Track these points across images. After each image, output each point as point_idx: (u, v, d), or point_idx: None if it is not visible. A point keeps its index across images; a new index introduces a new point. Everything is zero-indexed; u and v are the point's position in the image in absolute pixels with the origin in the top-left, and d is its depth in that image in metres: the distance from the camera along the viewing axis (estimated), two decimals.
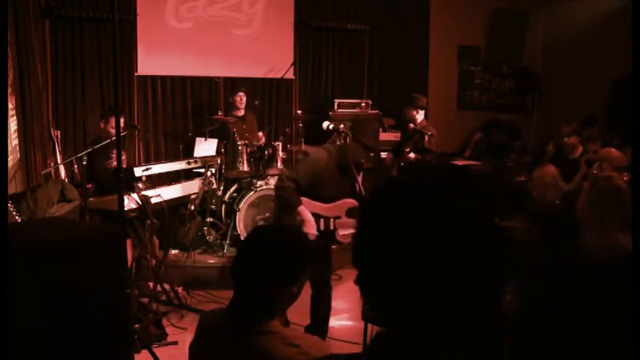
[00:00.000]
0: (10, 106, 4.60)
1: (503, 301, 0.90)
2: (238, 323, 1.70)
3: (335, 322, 4.28)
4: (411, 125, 5.76)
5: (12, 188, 4.30)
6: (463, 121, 7.99)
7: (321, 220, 3.73)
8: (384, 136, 6.77)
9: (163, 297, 4.64)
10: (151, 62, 6.78)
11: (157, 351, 3.65)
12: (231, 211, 5.79)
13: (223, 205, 5.94)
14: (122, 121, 4.18)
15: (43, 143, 5.69)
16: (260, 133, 6.54)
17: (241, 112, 6.40)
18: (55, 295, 2.32)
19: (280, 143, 6.19)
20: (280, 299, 1.73)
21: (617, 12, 6.96)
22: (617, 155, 4.81)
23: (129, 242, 4.19)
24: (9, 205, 3.45)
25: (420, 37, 7.97)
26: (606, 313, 0.83)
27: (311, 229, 3.59)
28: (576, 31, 7.65)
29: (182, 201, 4.81)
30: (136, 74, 6.75)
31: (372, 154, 3.84)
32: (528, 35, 8.45)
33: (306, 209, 3.66)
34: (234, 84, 6.80)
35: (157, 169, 4.76)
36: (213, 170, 5.41)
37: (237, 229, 5.66)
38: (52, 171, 5.67)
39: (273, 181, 6.06)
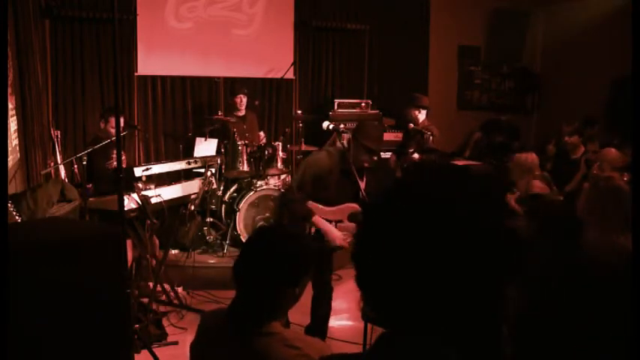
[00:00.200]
0: (10, 106, 4.59)
1: (504, 301, 0.90)
2: (240, 324, 1.70)
3: (335, 322, 4.28)
4: (411, 125, 5.76)
5: (12, 188, 4.30)
6: (463, 121, 7.99)
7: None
8: (384, 136, 6.75)
9: (163, 297, 4.64)
10: (151, 62, 6.78)
11: (157, 351, 3.65)
12: (231, 211, 5.79)
13: (223, 205, 5.94)
14: (122, 121, 4.18)
15: (43, 143, 5.69)
16: (261, 133, 6.55)
17: (242, 113, 6.40)
18: (55, 295, 2.32)
19: (280, 143, 6.19)
20: (283, 300, 1.73)
21: (617, 12, 6.96)
22: (615, 155, 4.81)
23: (129, 242, 4.19)
24: (9, 205, 3.45)
25: (420, 37, 7.97)
26: (606, 313, 0.83)
27: (335, 237, 3.58)
28: (576, 31, 7.65)
29: (182, 201, 4.81)
30: (136, 74, 6.75)
31: (374, 158, 3.82)
32: (528, 35, 8.45)
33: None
34: (234, 84, 6.80)
35: (157, 169, 4.76)
36: (213, 170, 5.41)
37: (237, 229, 5.66)
38: (52, 171, 5.67)
39: (273, 181, 6.06)
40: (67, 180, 5.42)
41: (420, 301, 0.88)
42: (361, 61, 7.68)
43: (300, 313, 3.60)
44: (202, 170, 5.26)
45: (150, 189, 4.35)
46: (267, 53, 7.20)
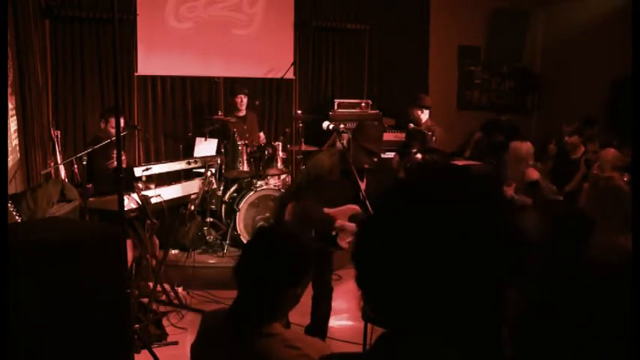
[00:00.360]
0: (10, 106, 4.59)
1: (504, 301, 0.90)
2: (240, 324, 1.70)
3: (335, 322, 4.28)
4: (411, 125, 5.76)
5: (12, 188, 4.30)
6: (463, 121, 7.98)
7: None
8: (384, 136, 6.75)
9: (163, 297, 4.64)
10: (151, 62, 6.78)
11: (157, 351, 3.65)
12: (231, 211, 5.79)
13: (223, 205, 5.94)
14: (122, 121, 4.19)
15: (43, 143, 5.69)
16: (261, 134, 6.55)
17: (242, 113, 6.40)
18: (55, 295, 2.32)
19: (280, 143, 6.19)
20: (283, 301, 1.73)
21: (617, 12, 6.96)
22: (614, 156, 4.81)
23: (129, 242, 4.19)
24: (9, 205, 3.45)
25: (420, 37, 7.97)
26: (606, 314, 0.83)
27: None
28: (576, 31, 7.65)
29: (182, 201, 4.81)
30: (136, 74, 6.75)
31: (375, 160, 3.82)
32: (528, 35, 8.45)
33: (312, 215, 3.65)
34: (234, 84, 6.80)
35: (157, 169, 4.76)
36: (213, 170, 5.41)
37: (237, 229, 5.66)
38: (52, 171, 5.67)
39: (273, 181, 6.06)
40: (67, 180, 5.42)
41: (420, 301, 0.88)
42: (361, 61, 7.68)
43: (300, 313, 3.60)
44: (202, 170, 5.26)
45: (150, 189, 4.36)
46: (267, 53, 7.19)
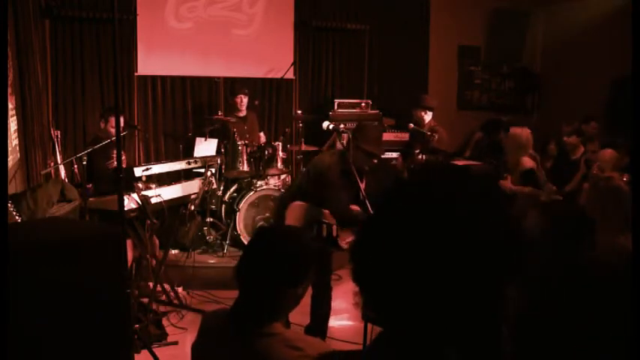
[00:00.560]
0: (10, 106, 4.59)
1: (505, 300, 0.90)
2: (241, 324, 1.70)
3: (335, 322, 4.29)
4: (411, 125, 5.77)
5: (12, 188, 4.30)
6: (463, 121, 7.98)
7: (324, 226, 3.72)
8: (384, 136, 6.75)
9: (163, 297, 4.64)
10: (151, 62, 6.78)
11: (157, 351, 3.65)
12: (231, 211, 5.79)
13: (223, 205, 5.94)
14: (122, 120, 4.18)
15: (43, 143, 5.69)
16: (261, 134, 6.55)
17: (243, 113, 6.40)
18: (55, 295, 2.32)
19: (280, 143, 6.19)
20: (284, 301, 1.73)
21: (617, 12, 6.96)
22: (612, 156, 4.81)
23: (129, 242, 4.19)
24: (9, 205, 3.45)
25: (420, 37, 7.97)
26: (606, 313, 0.83)
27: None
28: (576, 31, 7.65)
29: (182, 201, 4.81)
30: (136, 74, 6.75)
31: (375, 161, 3.82)
32: (528, 35, 8.45)
33: (309, 215, 3.66)
34: (234, 84, 6.80)
35: (157, 169, 4.76)
36: (213, 170, 5.41)
37: (237, 229, 5.66)
38: (52, 171, 5.67)
39: (273, 181, 6.06)
40: (67, 180, 5.42)
41: (419, 300, 0.88)
42: (361, 61, 7.68)
43: (300, 313, 3.59)
44: (202, 170, 5.26)
45: (150, 189, 4.35)
46: (267, 53, 7.19)
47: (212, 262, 5.52)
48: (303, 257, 1.77)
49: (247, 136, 6.11)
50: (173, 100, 7.00)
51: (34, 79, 5.45)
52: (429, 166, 5.08)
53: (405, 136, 6.30)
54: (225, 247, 5.74)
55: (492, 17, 8.23)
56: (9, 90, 4.50)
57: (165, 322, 4.29)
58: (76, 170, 5.64)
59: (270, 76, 7.24)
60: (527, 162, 4.80)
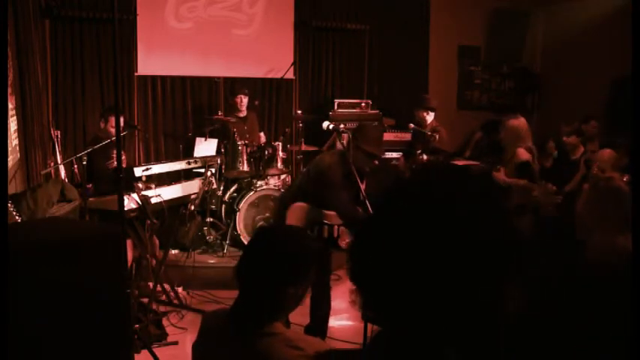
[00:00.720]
0: (10, 106, 4.59)
1: (504, 300, 0.90)
2: (241, 324, 1.70)
3: (335, 322, 4.28)
4: (411, 125, 5.77)
5: (12, 188, 4.30)
6: (463, 121, 7.98)
7: (325, 227, 3.72)
8: (384, 136, 6.75)
9: (163, 297, 4.64)
10: (151, 62, 6.78)
11: (157, 351, 3.65)
12: (231, 211, 5.79)
13: (223, 205, 5.94)
14: (122, 120, 4.18)
15: (43, 143, 5.69)
16: (261, 134, 6.55)
17: (243, 113, 6.40)
18: (55, 295, 2.32)
19: (280, 143, 6.19)
20: (284, 301, 1.72)
21: (617, 12, 6.96)
22: (610, 156, 4.80)
23: (129, 242, 4.19)
24: (9, 205, 3.45)
25: (420, 37, 7.97)
26: (606, 314, 0.83)
27: None
28: (576, 31, 7.65)
29: (182, 201, 4.81)
30: (136, 74, 6.75)
31: (376, 162, 3.82)
32: (528, 35, 8.45)
33: (310, 216, 3.66)
34: (234, 84, 6.80)
35: (157, 169, 4.76)
36: (213, 170, 5.41)
37: (237, 229, 5.66)
38: (52, 171, 5.67)
39: (273, 181, 6.06)
40: (67, 180, 5.42)
41: (418, 299, 0.88)
42: (361, 61, 7.68)
43: (300, 314, 3.60)
44: (202, 170, 5.26)
45: (150, 189, 4.35)
46: (267, 53, 7.19)
47: (212, 262, 5.52)
48: (303, 257, 1.77)
49: (247, 136, 6.11)
50: (173, 100, 7.00)
51: (34, 79, 5.45)
52: (429, 166, 5.08)
53: (405, 136, 6.30)
54: (225, 247, 5.74)
55: (492, 17, 8.23)
56: (9, 90, 4.50)
57: (165, 322, 4.29)
58: (76, 170, 5.64)
59: (270, 76, 7.24)
60: (523, 154, 4.80)
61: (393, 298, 0.90)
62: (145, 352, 3.57)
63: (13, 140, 4.68)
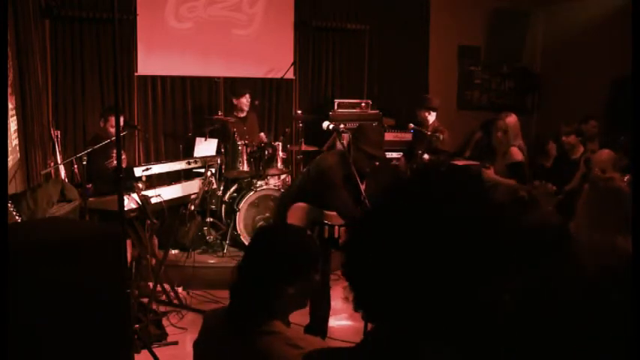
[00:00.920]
0: (10, 106, 4.59)
1: (503, 300, 0.90)
2: (238, 322, 1.70)
3: (335, 322, 4.28)
4: (411, 125, 5.76)
5: (12, 188, 4.30)
6: (463, 121, 7.98)
7: (325, 227, 3.72)
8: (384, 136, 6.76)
9: (163, 297, 4.64)
10: (151, 62, 6.78)
11: (157, 351, 3.65)
12: (231, 211, 5.79)
13: (223, 205, 5.94)
14: (122, 120, 4.19)
15: (43, 143, 5.69)
16: (262, 134, 6.55)
17: (243, 114, 6.40)
18: (55, 295, 2.32)
19: (280, 143, 6.19)
20: (283, 299, 1.72)
21: (617, 12, 6.96)
22: (608, 156, 4.80)
23: (128, 242, 4.19)
24: (9, 205, 3.46)
25: (420, 37, 7.97)
26: (606, 314, 0.83)
27: None
28: (576, 31, 7.64)
29: (182, 201, 4.81)
30: (136, 74, 6.75)
31: (377, 163, 3.82)
32: (528, 35, 8.45)
33: (310, 216, 3.66)
34: (237, 85, 6.79)
35: (157, 169, 4.76)
36: (213, 170, 5.41)
37: (237, 229, 5.66)
38: (52, 171, 5.67)
39: (273, 181, 6.06)
40: (67, 180, 5.42)
41: (414, 298, 0.88)
42: (361, 61, 7.68)
43: (300, 313, 3.58)
44: (202, 170, 5.26)
45: (150, 189, 4.35)
46: (267, 53, 7.19)
47: (212, 262, 5.52)
48: (303, 256, 1.78)
49: (247, 136, 6.11)
50: (173, 100, 7.00)
51: (34, 79, 5.45)
52: (429, 166, 5.07)
53: (405, 136, 6.29)
54: (225, 247, 5.74)
55: (492, 17, 8.23)
56: (9, 90, 4.50)
57: (165, 322, 4.29)
58: (76, 170, 5.64)
59: (270, 76, 7.24)
60: (517, 154, 4.80)
61: (388, 296, 0.90)
62: (145, 352, 3.58)
63: (13, 140, 4.68)
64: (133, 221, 4.16)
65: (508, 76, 8.70)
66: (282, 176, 6.25)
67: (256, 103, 6.75)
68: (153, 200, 4.19)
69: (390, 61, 7.78)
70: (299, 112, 6.96)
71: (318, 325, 3.85)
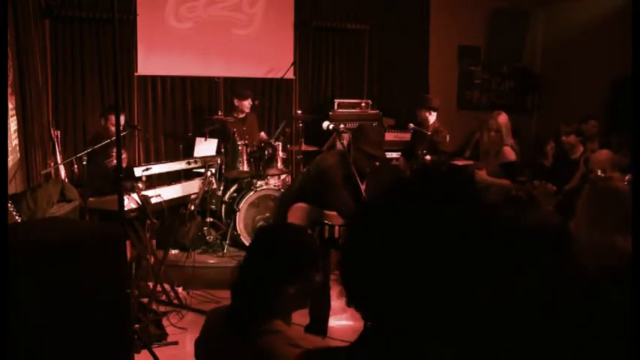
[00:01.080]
0: (10, 106, 4.59)
1: (503, 299, 0.90)
2: (238, 321, 1.70)
3: (335, 322, 4.28)
4: (411, 125, 5.76)
5: (12, 188, 4.30)
6: (463, 121, 7.98)
7: (326, 227, 3.73)
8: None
9: (163, 297, 4.64)
10: (151, 62, 6.78)
11: (157, 351, 3.65)
12: (231, 211, 5.79)
13: (223, 205, 5.94)
14: (122, 119, 4.19)
15: (43, 143, 5.69)
16: (262, 134, 6.56)
17: (244, 115, 6.40)
18: (55, 295, 2.32)
19: (280, 143, 6.19)
20: (283, 298, 1.72)
21: (617, 12, 6.96)
22: (607, 157, 4.81)
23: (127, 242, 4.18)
24: (9, 205, 3.46)
25: (420, 37, 7.97)
26: (606, 314, 0.83)
27: None
28: (576, 31, 7.64)
29: (182, 201, 4.81)
30: (136, 74, 6.75)
31: (377, 164, 3.82)
32: (528, 35, 8.45)
33: (311, 216, 3.66)
34: (239, 87, 6.78)
35: (157, 169, 4.76)
36: (213, 170, 5.41)
37: (237, 229, 5.66)
38: (52, 171, 5.67)
39: (273, 181, 6.06)
40: (67, 180, 5.42)
41: (412, 296, 0.88)
42: (361, 61, 7.68)
43: (299, 313, 3.58)
44: (202, 170, 5.26)
45: (150, 189, 4.35)
46: (267, 53, 7.19)
47: (212, 262, 5.52)
48: (303, 256, 1.78)
49: (247, 136, 6.11)
50: (173, 100, 7.00)
51: (34, 79, 5.45)
52: (428, 166, 5.08)
53: (405, 136, 6.30)
54: (225, 247, 5.74)
55: (492, 17, 8.23)
56: (9, 90, 4.50)
57: (165, 322, 4.29)
58: (76, 170, 5.64)
59: (270, 76, 7.24)
60: (510, 154, 4.80)
61: (387, 295, 0.90)
62: (145, 352, 3.58)
63: (13, 140, 4.68)
64: (133, 221, 4.17)
65: (508, 76, 8.70)
66: (282, 176, 6.25)
67: (256, 103, 6.75)
68: (153, 200, 4.19)
69: (390, 61, 7.78)
70: (299, 112, 6.96)
71: (318, 325, 3.85)
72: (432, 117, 5.78)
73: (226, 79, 7.05)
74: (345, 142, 3.78)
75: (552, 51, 8.36)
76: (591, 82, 7.27)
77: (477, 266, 0.87)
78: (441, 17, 7.97)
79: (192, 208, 5.20)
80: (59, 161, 5.90)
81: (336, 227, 3.73)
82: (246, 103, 6.34)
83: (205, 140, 6.33)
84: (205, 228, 5.76)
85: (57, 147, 6.08)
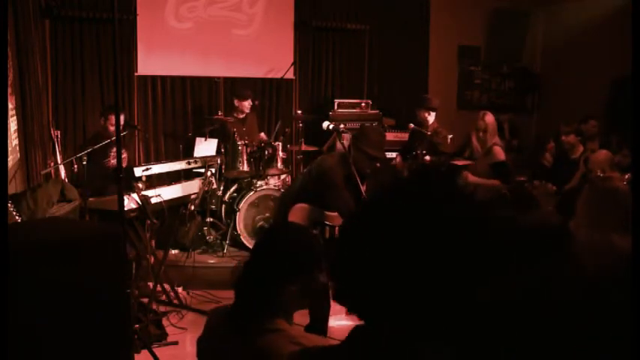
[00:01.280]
0: (10, 106, 4.60)
1: (502, 299, 0.90)
2: (240, 320, 1.71)
3: (335, 322, 4.28)
4: (411, 125, 5.76)
5: (12, 188, 4.30)
6: (463, 121, 7.97)
7: (326, 227, 3.73)
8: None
9: (163, 297, 4.64)
10: (151, 62, 6.78)
11: (157, 351, 3.65)
12: (231, 211, 5.79)
13: (223, 205, 5.94)
14: (122, 118, 4.19)
15: (43, 143, 5.69)
16: (262, 134, 6.55)
17: (244, 115, 6.40)
18: (55, 295, 2.32)
19: (280, 143, 6.20)
20: (284, 297, 1.72)
21: (617, 12, 6.96)
22: (605, 157, 4.81)
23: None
24: (9, 205, 3.46)
25: (420, 37, 7.97)
26: (606, 314, 0.83)
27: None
28: (576, 31, 7.65)
29: (182, 201, 4.81)
30: (136, 74, 6.75)
31: (377, 165, 3.81)
32: (528, 35, 8.45)
33: (312, 217, 3.66)
34: (239, 87, 6.79)
35: (157, 169, 4.76)
36: (213, 170, 5.41)
37: (237, 229, 5.66)
38: (52, 171, 5.67)
39: (273, 181, 6.06)
40: (67, 180, 5.42)
41: (409, 295, 0.88)
42: (361, 61, 7.68)
43: (299, 313, 3.58)
44: (202, 170, 5.26)
45: (150, 189, 4.35)
46: (267, 53, 7.19)
47: (212, 262, 5.52)
48: (305, 254, 1.77)
49: (246, 136, 6.12)
50: (173, 100, 7.00)
51: (34, 79, 5.45)
52: (428, 166, 5.08)
53: (405, 137, 6.30)
54: (225, 247, 5.74)
55: (492, 17, 8.23)
56: (9, 90, 4.50)
57: (165, 322, 4.29)
58: (76, 170, 5.64)
59: (270, 76, 7.24)
60: (500, 154, 4.80)
61: (386, 295, 0.90)
62: (145, 352, 3.58)
63: (13, 140, 4.69)
64: (133, 221, 4.17)
65: (508, 76, 8.70)
66: (282, 176, 6.25)
67: (256, 103, 6.75)
68: (153, 200, 4.19)
69: (390, 61, 7.78)
70: (299, 112, 6.96)
71: (318, 324, 3.85)
72: (432, 117, 5.78)
73: (226, 79, 7.05)
74: (345, 142, 3.78)
75: (552, 51, 8.36)
76: (591, 82, 7.27)
77: (476, 266, 0.87)
78: (441, 17, 7.97)
79: (192, 208, 5.20)
80: (59, 161, 5.90)
81: (337, 228, 3.73)
82: (246, 104, 6.34)
83: (205, 140, 6.34)
84: (205, 228, 5.76)
85: (57, 147, 6.08)
